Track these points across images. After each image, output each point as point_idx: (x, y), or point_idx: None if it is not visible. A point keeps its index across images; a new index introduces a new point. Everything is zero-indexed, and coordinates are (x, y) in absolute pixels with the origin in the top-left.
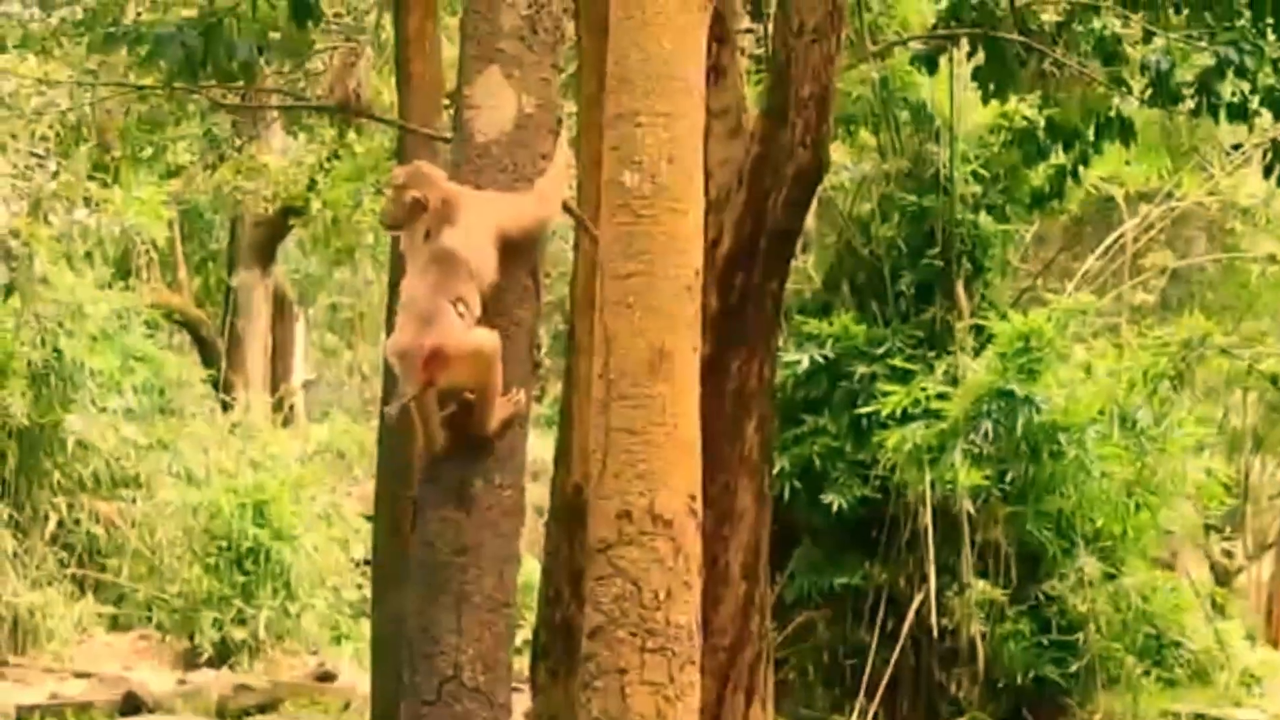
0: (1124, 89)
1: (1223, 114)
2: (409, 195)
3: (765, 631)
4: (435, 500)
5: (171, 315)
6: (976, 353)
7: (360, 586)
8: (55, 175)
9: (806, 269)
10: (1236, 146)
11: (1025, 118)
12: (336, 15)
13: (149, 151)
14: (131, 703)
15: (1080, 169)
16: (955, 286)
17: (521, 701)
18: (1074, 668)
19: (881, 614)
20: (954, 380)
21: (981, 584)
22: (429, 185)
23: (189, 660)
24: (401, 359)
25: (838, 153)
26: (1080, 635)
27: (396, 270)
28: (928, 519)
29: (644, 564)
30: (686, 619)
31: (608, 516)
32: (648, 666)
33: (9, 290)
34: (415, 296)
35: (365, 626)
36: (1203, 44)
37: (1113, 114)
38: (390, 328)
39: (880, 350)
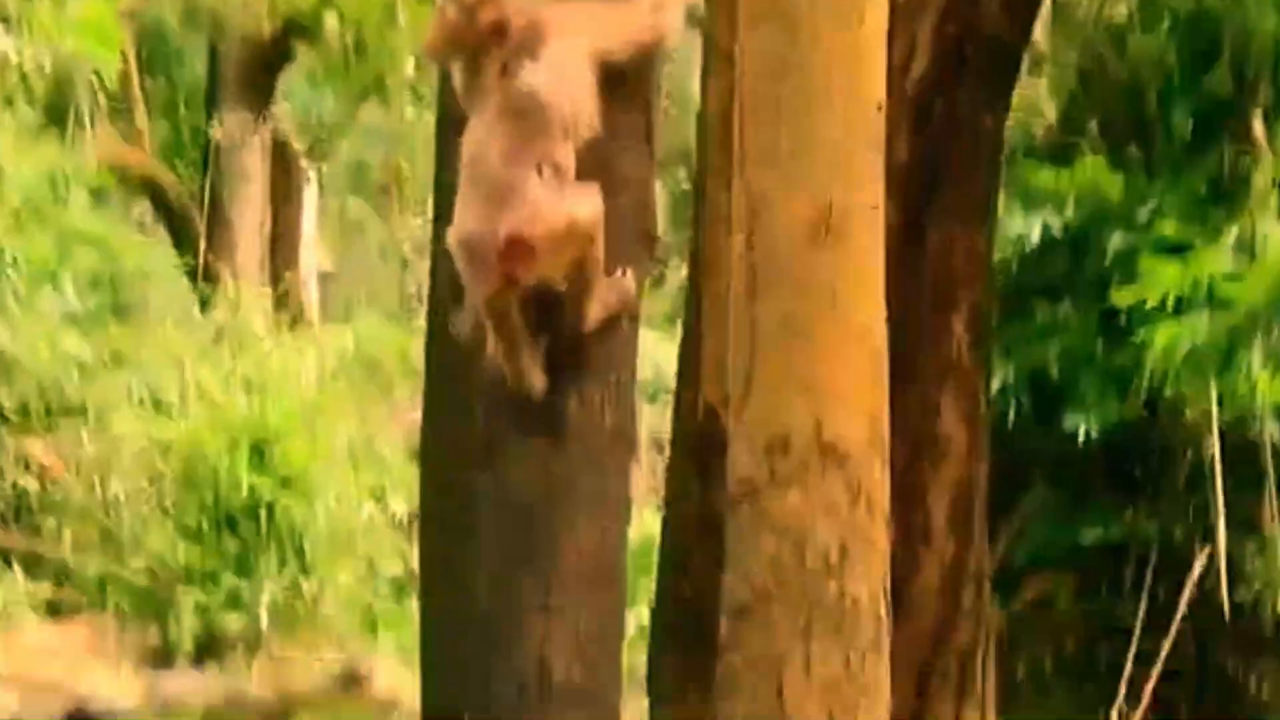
0: None
1: None
2: (484, 15)
3: (983, 608)
4: (512, 428)
5: (129, 178)
6: None
7: (404, 555)
8: None
9: (1036, 99)
10: None
11: None
12: None
13: None
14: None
15: None
16: (1251, 119)
17: (637, 707)
18: None
19: (1149, 582)
20: (1250, 254)
21: None
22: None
23: (160, 659)
24: (468, 251)
25: None
26: None
27: (449, 116)
28: (1215, 448)
29: (809, 514)
30: (868, 591)
31: (756, 448)
32: (815, 656)
33: None
34: (485, 161)
35: (412, 610)
36: None
37: None
38: (444, 202)
39: (1144, 212)
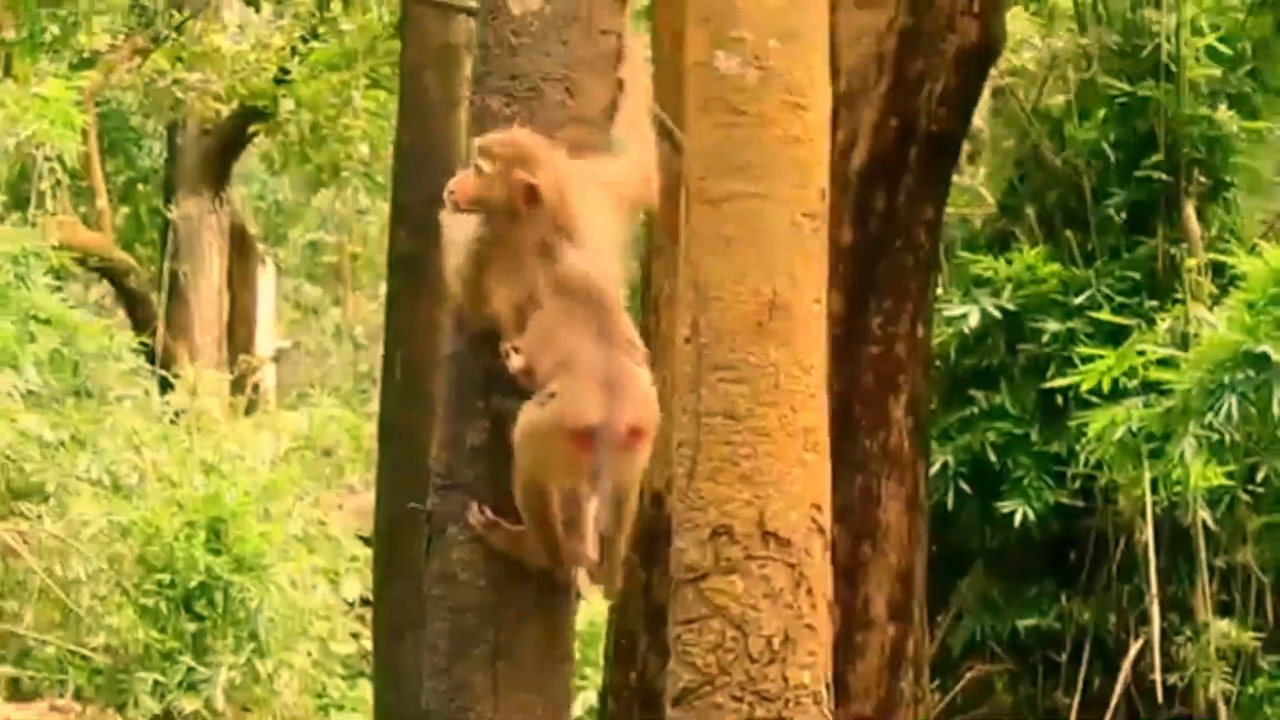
0: None
1: None
2: (519, 178)
3: (923, 694)
4: (460, 514)
5: (88, 260)
6: (1215, 302)
7: (357, 636)
8: None
9: (975, 187)
10: None
11: None
12: None
13: (53, 31)
14: None
15: None
16: (1184, 209)
17: None
18: None
19: (1084, 669)
20: (1183, 341)
21: (1224, 624)
22: (537, 164)
23: None
24: (595, 442)
25: (1017, 23)
26: None
27: (400, 194)
28: (1149, 535)
29: (752, 599)
30: (813, 676)
31: (700, 534)
32: None
33: None
34: (579, 349)
35: (365, 690)
36: None
37: None
38: (395, 289)
39: (1079, 299)
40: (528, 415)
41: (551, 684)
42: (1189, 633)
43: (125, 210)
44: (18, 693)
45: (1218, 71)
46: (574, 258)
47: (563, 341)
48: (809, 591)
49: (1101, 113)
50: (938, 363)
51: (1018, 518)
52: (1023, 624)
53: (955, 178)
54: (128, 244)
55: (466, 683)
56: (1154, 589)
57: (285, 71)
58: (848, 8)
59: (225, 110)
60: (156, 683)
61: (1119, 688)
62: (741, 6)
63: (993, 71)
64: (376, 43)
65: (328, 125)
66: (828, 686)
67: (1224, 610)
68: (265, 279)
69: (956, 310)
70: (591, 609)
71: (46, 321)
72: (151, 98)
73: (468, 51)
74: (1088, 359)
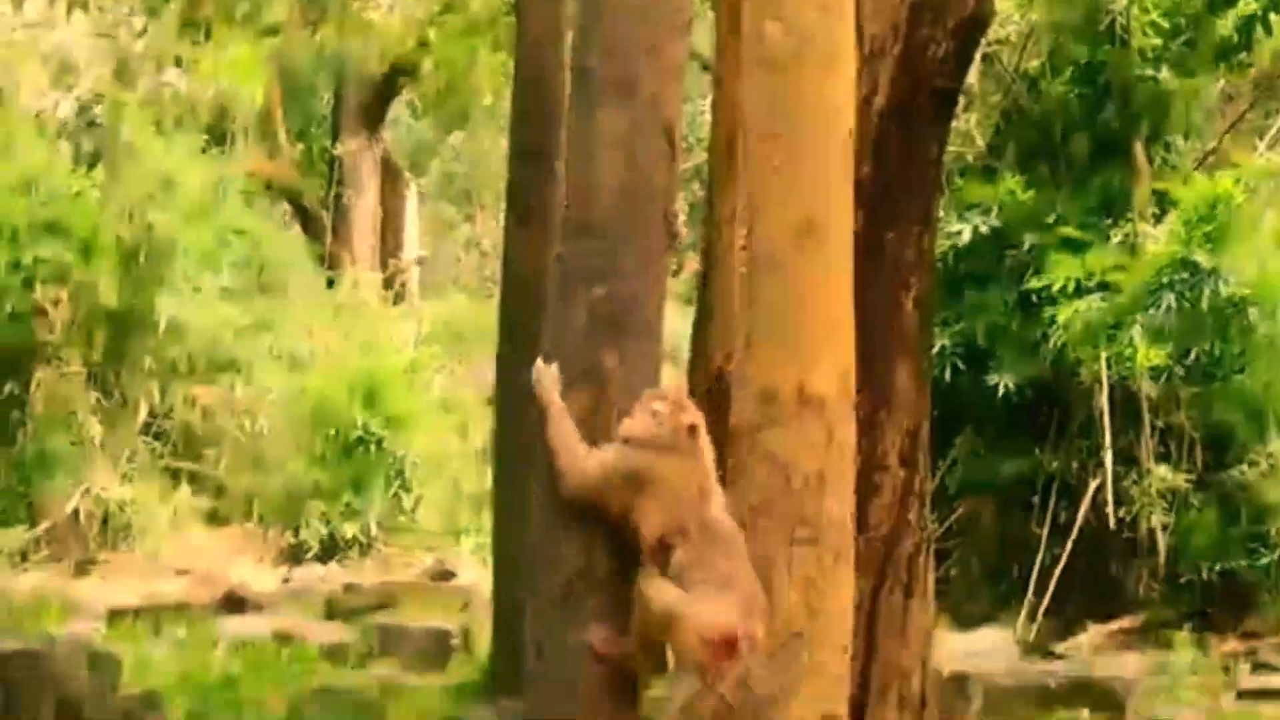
0: None
1: None
2: (684, 419)
3: (925, 523)
4: (564, 380)
5: (271, 186)
6: (1157, 220)
7: (481, 477)
8: (142, 34)
9: (969, 130)
10: None
11: None
12: None
13: (244, 7)
14: (232, 602)
15: (1272, 17)
16: (1133, 148)
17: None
18: (1265, 560)
19: (1052, 504)
20: (1132, 250)
21: (1163, 470)
22: (689, 411)
23: (294, 557)
24: (731, 645)
25: (1003, 2)
26: (1272, 525)
27: (518, 137)
28: (1104, 401)
29: (792, 448)
30: (839, 508)
31: (752, 398)
32: (796, 558)
33: (94, 161)
34: (722, 570)
35: (487, 520)
36: None
37: None
38: (514, 207)
39: (1050, 218)
40: (682, 603)
41: None
42: (1134, 477)
43: (300, 147)
44: (214, 520)
45: (1160, 40)
46: (720, 511)
47: (714, 568)
48: (838, 443)
49: (1069, 72)
50: (939, 267)
51: (1001, 388)
52: (1004, 469)
53: (953, 123)
54: (303, 174)
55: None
56: (1107, 443)
57: (426, 37)
58: None
59: (379, 68)
60: (322, 512)
61: (1079, 519)
62: None
63: (983, 40)
64: (497, 14)
65: (459, 80)
66: (851, 515)
67: (1162, 459)
68: (410, 201)
69: (954, 227)
70: None
71: (240, 233)
72: (320, 59)
73: (569, 24)
74: (1056, 265)
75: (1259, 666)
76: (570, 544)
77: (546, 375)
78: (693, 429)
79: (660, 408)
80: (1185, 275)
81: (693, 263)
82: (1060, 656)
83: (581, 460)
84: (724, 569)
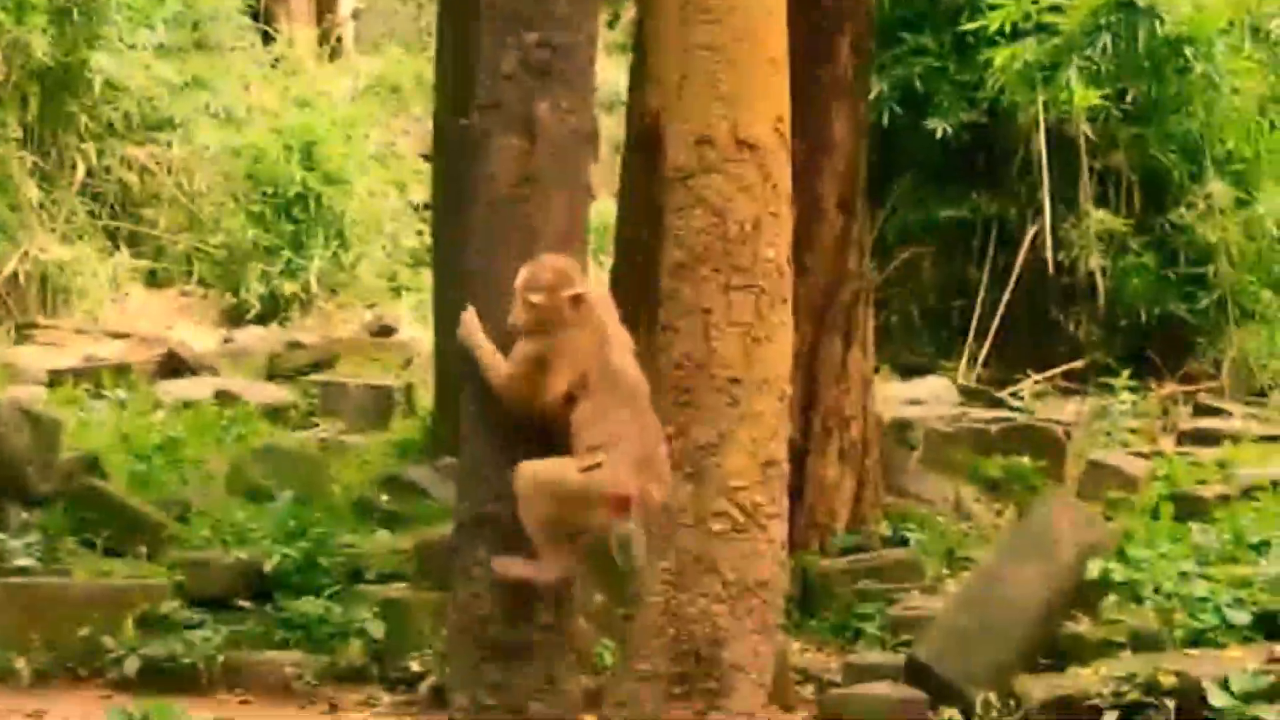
0: None
1: None
2: (564, 295)
3: (864, 270)
4: (497, 129)
5: None
6: None
7: (420, 233)
8: None
9: None
10: None
11: None
12: None
13: None
14: (172, 363)
15: None
16: None
17: None
18: (1203, 303)
19: (992, 249)
20: None
21: (1101, 213)
22: (573, 282)
23: (234, 317)
24: (616, 501)
25: None
26: (1210, 267)
27: None
28: (1041, 144)
29: (728, 193)
30: (776, 254)
31: (687, 142)
32: (734, 306)
33: None
34: (622, 432)
35: (427, 276)
36: None
37: None
38: None
39: None
40: (566, 471)
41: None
42: (1072, 220)
43: None
44: (153, 282)
45: None
46: (622, 361)
47: (608, 423)
48: (774, 188)
49: None
50: (875, 10)
51: (939, 133)
52: (943, 215)
53: None
54: None
55: (502, 260)
56: (1045, 186)
57: None
58: None
59: None
60: (264, 271)
61: (1018, 264)
62: None
63: None
64: None
65: None
66: (788, 263)
67: (1100, 202)
68: None
69: None
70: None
71: None
72: None
73: None
74: (994, 6)
75: (1198, 409)
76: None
77: (471, 321)
78: (576, 299)
79: (537, 299)
80: (1121, 15)
81: (630, 10)
82: (1001, 402)
83: (502, 374)
84: (619, 425)
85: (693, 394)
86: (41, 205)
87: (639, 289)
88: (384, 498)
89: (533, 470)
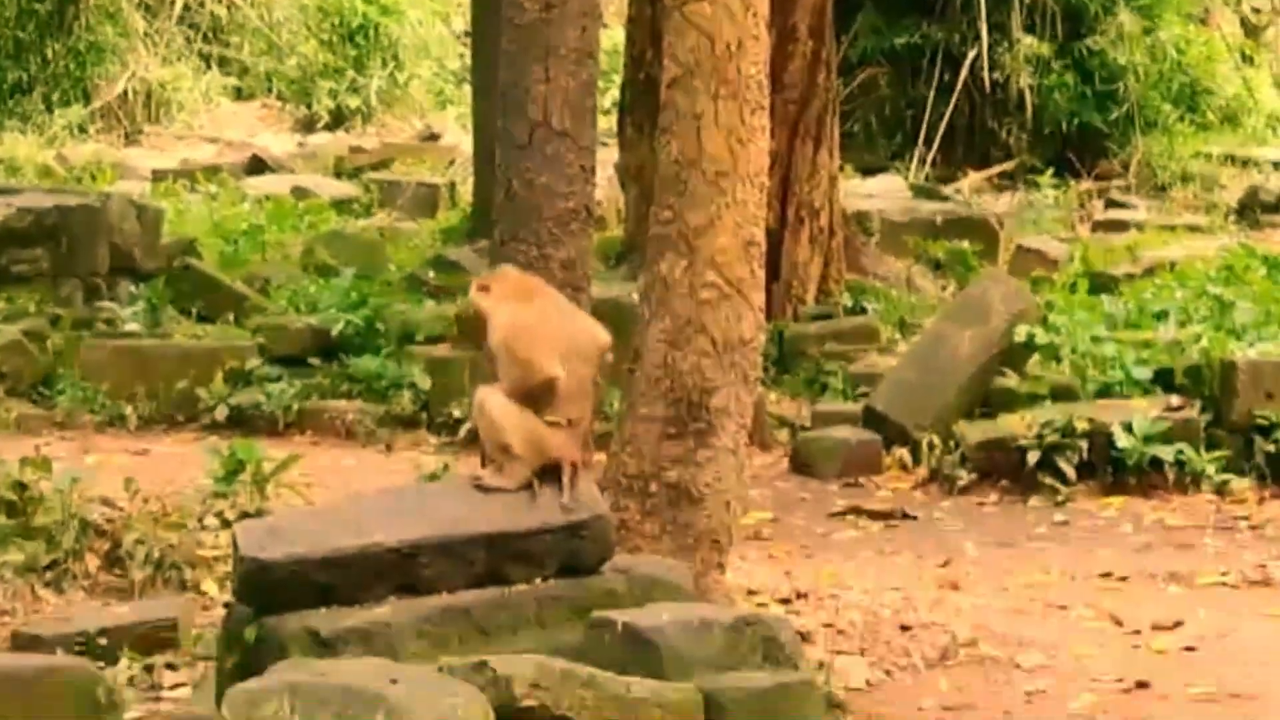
0: None
1: None
2: (500, 281)
3: (831, 86)
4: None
5: None
6: None
7: (461, 55)
8: None
9: None
10: None
11: None
12: None
13: None
14: (256, 164)
15: None
16: None
17: (610, 154)
18: (1115, 115)
19: (938, 70)
20: None
21: (1029, 39)
22: (504, 276)
23: (307, 125)
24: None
25: None
26: (1120, 85)
27: None
28: None
29: (714, 18)
30: (756, 69)
31: None
32: (721, 112)
33: None
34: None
35: (467, 91)
36: None
37: None
38: None
39: None
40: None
41: (582, 72)
42: (1006, 45)
43: None
44: (239, 97)
45: None
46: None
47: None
48: (754, 15)
49: None
50: None
51: None
52: (898, 41)
53: None
54: None
55: (526, 71)
56: (983, 16)
57: None
58: None
59: None
60: (331, 88)
61: (960, 81)
62: None
63: None
64: None
65: None
66: (767, 77)
67: (1029, 30)
68: None
69: None
70: (615, 35)
71: None
72: None
73: None
74: None
75: (1110, 203)
76: (534, 96)
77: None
78: (483, 286)
79: (481, 299)
80: None
81: None
82: (945, 197)
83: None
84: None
85: (687, 185)
86: (146, 34)
87: (644, 100)
88: (431, 274)
89: (481, 399)
